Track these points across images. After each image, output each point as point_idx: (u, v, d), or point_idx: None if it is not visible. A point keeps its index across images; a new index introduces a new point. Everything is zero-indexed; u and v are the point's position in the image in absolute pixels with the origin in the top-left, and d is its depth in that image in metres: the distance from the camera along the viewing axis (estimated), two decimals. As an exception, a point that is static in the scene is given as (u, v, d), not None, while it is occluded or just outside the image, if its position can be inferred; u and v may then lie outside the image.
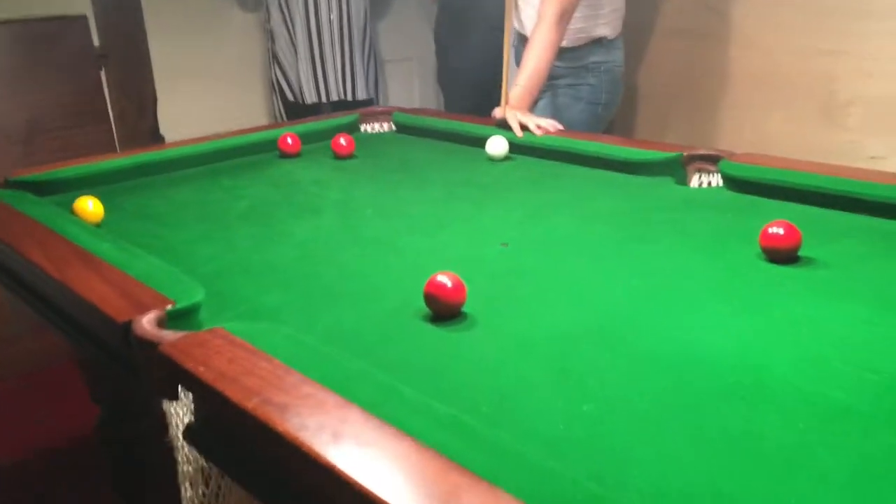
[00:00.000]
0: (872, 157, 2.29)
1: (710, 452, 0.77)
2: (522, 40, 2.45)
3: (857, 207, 1.38)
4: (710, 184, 1.63)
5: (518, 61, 3.24)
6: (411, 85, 3.98)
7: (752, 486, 0.71)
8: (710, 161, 1.63)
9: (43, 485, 2.18)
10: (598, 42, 2.34)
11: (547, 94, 2.37)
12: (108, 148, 3.01)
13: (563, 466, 0.71)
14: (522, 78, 2.08)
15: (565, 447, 0.78)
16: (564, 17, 2.08)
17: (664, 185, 1.64)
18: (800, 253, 1.21)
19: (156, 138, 3.26)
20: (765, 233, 1.21)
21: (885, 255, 1.22)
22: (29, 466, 2.28)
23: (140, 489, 1.62)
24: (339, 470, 0.68)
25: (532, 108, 2.13)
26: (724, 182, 1.60)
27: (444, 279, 1.07)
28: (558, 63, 2.25)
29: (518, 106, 2.05)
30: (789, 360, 0.93)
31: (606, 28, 2.34)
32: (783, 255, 1.20)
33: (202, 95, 3.41)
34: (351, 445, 0.72)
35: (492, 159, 1.89)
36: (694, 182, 1.65)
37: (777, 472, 0.73)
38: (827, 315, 1.04)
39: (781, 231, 1.20)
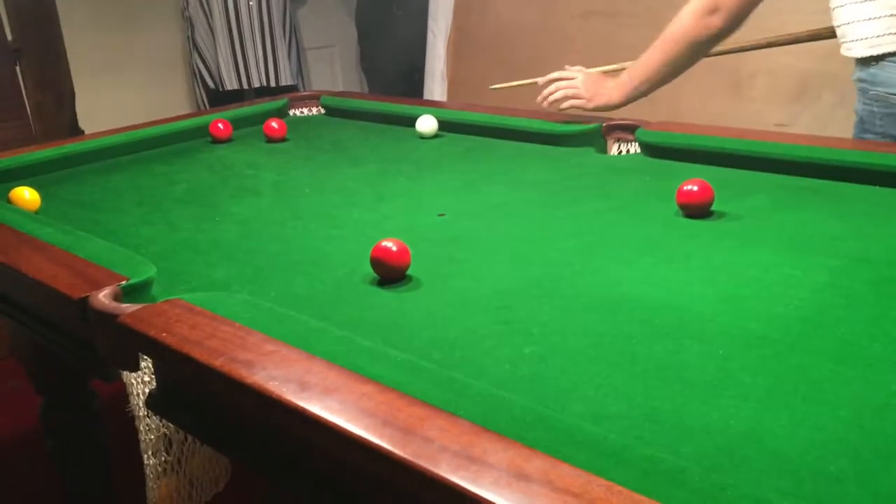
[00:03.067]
0: (776, 125, 2.44)
1: (642, 380, 0.85)
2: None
3: (764, 166, 1.50)
4: (628, 151, 1.73)
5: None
6: (334, 71, 4.00)
7: (679, 406, 0.80)
8: (628, 130, 1.73)
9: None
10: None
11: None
12: (27, 143, 2.94)
13: (512, 397, 0.78)
14: (634, 67, 1.73)
15: (512, 384, 0.85)
16: (718, 11, 1.58)
17: (586, 155, 1.74)
18: (713, 208, 1.31)
19: (75, 132, 3.20)
20: (680, 191, 1.31)
21: (790, 206, 1.33)
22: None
23: (90, 473, 1.63)
24: (310, 412, 0.74)
25: (627, 100, 1.75)
26: (642, 149, 1.70)
27: (388, 244, 1.13)
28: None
29: (597, 81, 1.76)
30: (709, 300, 1.03)
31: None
32: (698, 211, 1.31)
33: (122, 87, 3.36)
34: (318, 391, 0.77)
35: (422, 137, 1.96)
36: (613, 150, 1.75)
37: (701, 393, 0.82)
38: (740, 261, 1.14)
39: (695, 188, 1.30)
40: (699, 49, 1.65)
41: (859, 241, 1.17)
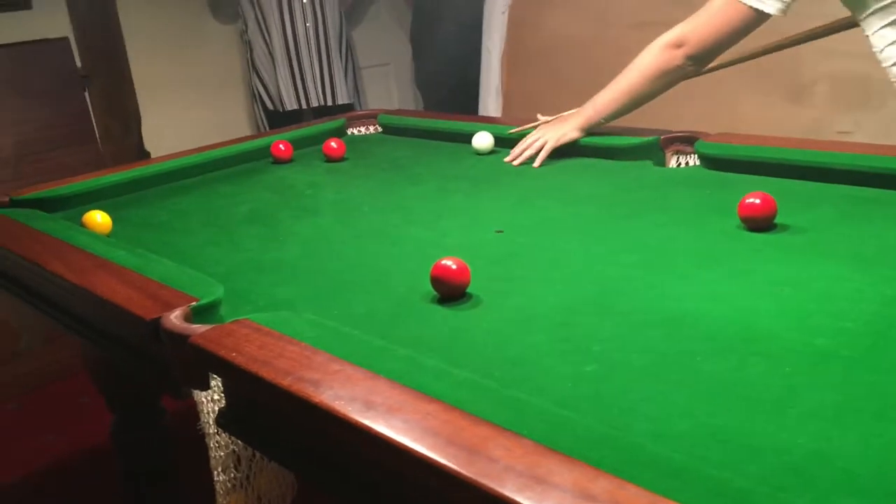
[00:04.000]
0: (839, 133, 2.39)
1: (706, 398, 0.84)
2: None
3: (828, 177, 1.47)
4: (687, 164, 1.71)
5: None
6: (390, 89, 4.06)
7: (745, 425, 0.79)
8: (687, 143, 1.72)
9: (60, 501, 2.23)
10: None
11: None
12: (96, 167, 3.06)
13: (575, 417, 0.78)
14: (599, 95, 1.79)
15: (574, 403, 0.85)
16: (683, 46, 1.62)
17: (644, 168, 1.73)
18: (776, 221, 1.29)
19: (142, 154, 3.31)
20: (742, 203, 1.30)
21: (856, 218, 1.31)
22: (47, 480, 2.32)
23: (161, 488, 1.68)
24: (375, 431, 0.75)
25: (589, 131, 1.83)
26: (701, 161, 1.68)
27: (448, 262, 1.14)
28: None
29: (562, 120, 1.86)
30: (774, 315, 1.01)
31: None
32: (761, 224, 1.29)
33: (184, 110, 3.47)
34: (382, 410, 0.79)
35: (478, 153, 1.97)
36: (672, 163, 1.73)
37: (767, 411, 0.81)
38: (806, 275, 1.12)
39: (758, 201, 1.28)
40: (664, 82, 1.69)
41: (930, 252, 1.14)
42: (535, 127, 1.95)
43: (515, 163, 1.85)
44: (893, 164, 1.41)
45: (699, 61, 1.65)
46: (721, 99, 2.66)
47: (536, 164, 1.82)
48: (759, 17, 1.51)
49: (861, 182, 1.43)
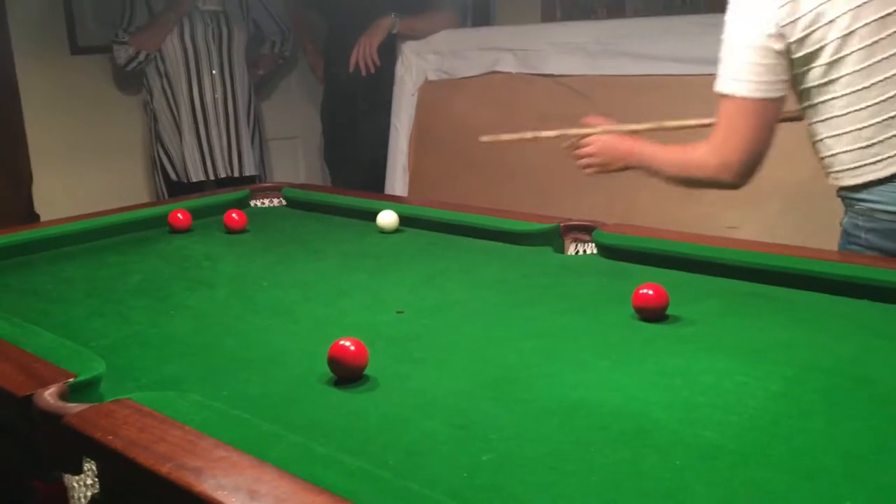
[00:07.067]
0: (728, 227, 2.51)
1: (599, 492, 0.84)
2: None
3: (715, 271, 1.54)
4: (584, 252, 1.76)
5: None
6: (297, 162, 4.04)
7: (637, 518, 0.79)
8: (585, 231, 1.77)
9: None
10: None
11: None
12: (-21, 227, 2.90)
13: (470, 509, 0.76)
14: (659, 150, 1.69)
15: (469, 494, 0.84)
16: (729, 167, 1.55)
17: (544, 254, 1.76)
18: (668, 312, 1.33)
19: (31, 217, 3.16)
20: (636, 294, 1.34)
21: (741, 312, 1.36)
22: None
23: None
24: (259, 524, 0.71)
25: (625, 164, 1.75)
26: (598, 250, 1.73)
27: (346, 343, 1.12)
28: None
29: (617, 145, 1.75)
30: (665, 406, 1.03)
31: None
32: (653, 315, 1.32)
33: (81, 176, 3.35)
34: (268, 501, 0.75)
35: (383, 231, 1.97)
36: (570, 250, 1.78)
37: (659, 505, 0.82)
38: (695, 367, 1.15)
39: (651, 292, 1.32)
40: (696, 184, 1.69)
41: (810, 348, 1.19)
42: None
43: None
44: (774, 261, 1.49)
45: (740, 180, 1.57)
46: (618, 190, 2.76)
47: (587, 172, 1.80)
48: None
49: (745, 277, 1.49)
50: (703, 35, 2.50)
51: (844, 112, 1.46)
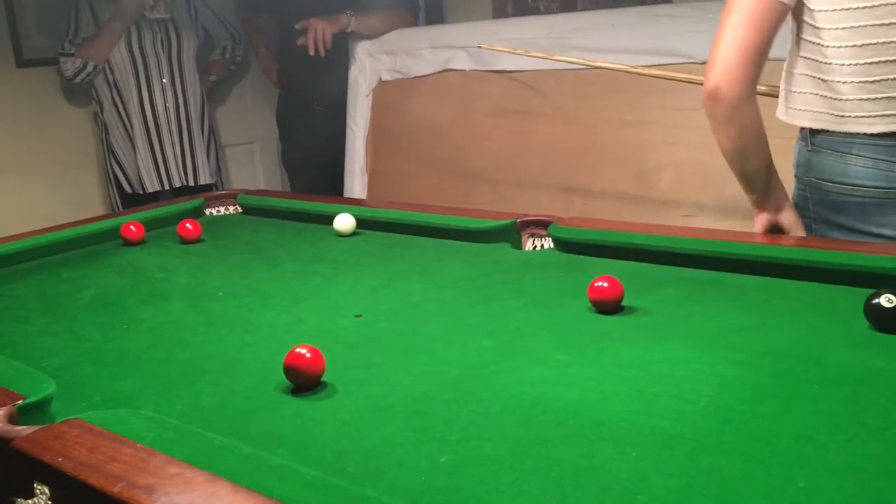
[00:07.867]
0: (684, 216, 2.54)
1: (558, 487, 0.84)
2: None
3: (671, 260, 1.55)
4: (542, 246, 1.77)
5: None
6: (255, 168, 4.00)
7: (596, 512, 0.80)
8: (542, 226, 1.78)
9: None
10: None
11: None
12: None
13: (427, 513, 0.76)
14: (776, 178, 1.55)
15: (428, 497, 0.83)
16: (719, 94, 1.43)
17: (502, 251, 1.76)
18: (623, 303, 1.34)
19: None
20: (591, 287, 1.34)
21: (696, 300, 1.38)
22: None
23: None
24: (212, 540, 0.70)
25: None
26: (555, 244, 1.74)
27: (302, 351, 1.11)
28: None
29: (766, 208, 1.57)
30: (622, 398, 1.04)
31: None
32: (609, 307, 1.33)
33: (30, 191, 3.29)
34: (222, 516, 0.74)
35: (340, 235, 1.96)
36: (528, 246, 1.78)
37: (617, 498, 0.82)
38: (651, 357, 1.16)
39: (606, 284, 1.33)
40: (719, 134, 1.50)
41: (762, 333, 1.21)
42: None
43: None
44: (728, 247, 1.50)
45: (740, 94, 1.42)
46: (576, 185, 2.78)
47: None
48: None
49: (699, 265, 1.51)
50: (652, 26, 2.53)
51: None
